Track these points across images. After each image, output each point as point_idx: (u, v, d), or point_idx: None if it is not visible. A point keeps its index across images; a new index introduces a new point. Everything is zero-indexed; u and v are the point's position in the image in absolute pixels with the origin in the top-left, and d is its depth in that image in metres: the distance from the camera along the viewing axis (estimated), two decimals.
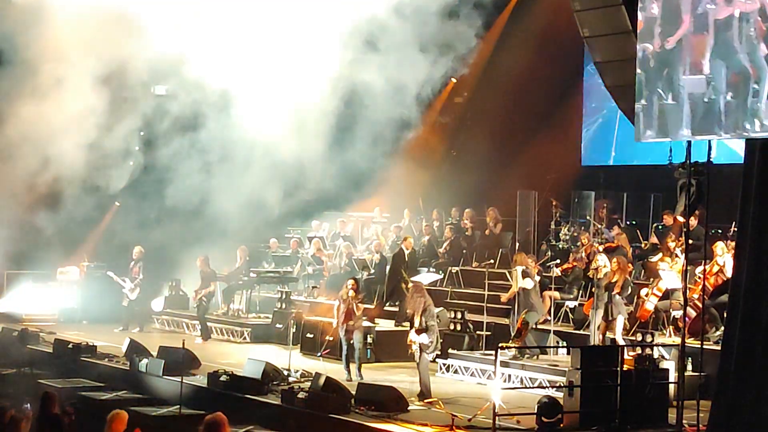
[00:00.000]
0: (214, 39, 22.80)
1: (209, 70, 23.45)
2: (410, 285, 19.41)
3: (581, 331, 19.08)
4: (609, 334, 17.63)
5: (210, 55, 23.08)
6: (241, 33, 22.63)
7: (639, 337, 17.59)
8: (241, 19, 22.59)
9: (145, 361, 18.61)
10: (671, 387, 15.05)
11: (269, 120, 23.97)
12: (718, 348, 14.93)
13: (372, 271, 23.36)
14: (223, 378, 16.90)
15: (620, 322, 17.76)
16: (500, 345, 17.49)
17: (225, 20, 22.68)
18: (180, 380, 16.41)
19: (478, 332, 20.18)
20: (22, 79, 23.37)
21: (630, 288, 18.34)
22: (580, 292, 20.54)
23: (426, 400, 16.29)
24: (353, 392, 15.85)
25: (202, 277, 23.76)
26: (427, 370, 16.74)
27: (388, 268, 22.90)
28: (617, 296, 17.73)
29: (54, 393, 12.38)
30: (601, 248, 21.24)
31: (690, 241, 16.07)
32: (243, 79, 23.26)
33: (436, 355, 17.23)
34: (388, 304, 21.95)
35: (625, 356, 14.93)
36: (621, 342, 17.21)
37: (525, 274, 18.83)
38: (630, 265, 20.30)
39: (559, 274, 19.69)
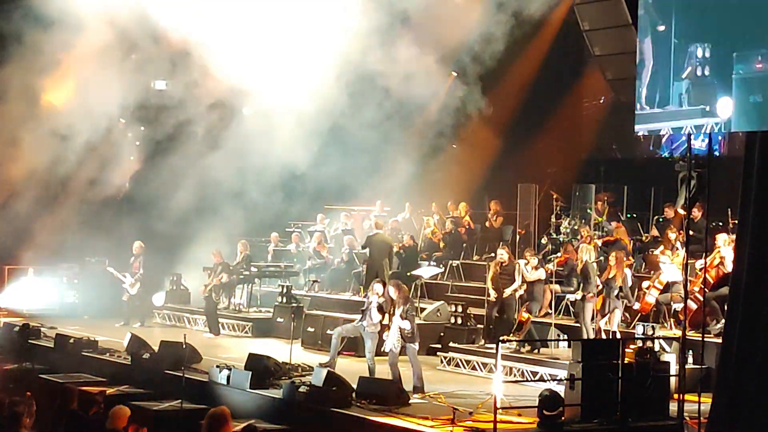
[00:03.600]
0: (220, 32, 22.82)
1: (213, 62, 23.49)
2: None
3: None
4: (607, 327, 17.67)
5: (214, 47, 23.10)
6: (246, 24, 22.63)
7: (640, 330, 17.60)
8: (248, 11, 22.59)
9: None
10: (672, 380, 15.06)
11: (272, 116, 24.04)
12: (719, 340, 14.95)
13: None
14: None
15: (617, 315, 17.78)
16: (501, 338, 17.51)
17: (232, 14, 22.67)
18: (182, 374, 16.44)
19: (479, 325, 20.19)
20: (29, 72, 23.45)
21: (630, 281, 18.38)
22: (581, 284, 20.51)
23: (422, 394, 16.31)
24: (354, 386, 15.85)
25: (213, 268, 23.69)
26: (418, 360, 16.72)
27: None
28: (615, 290, 17.74)
29: (74, 388, 12.38)
30: (600, 242, 21.25)
31: (691, 233, 16.09)
32: (246, 73, 23.28)
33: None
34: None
35: (627, 349, 14.96)
36: (617, 333, 17.27)
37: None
38: (630, 258, 20.33)
39: (553, 268, 19.70)
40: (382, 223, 23.51)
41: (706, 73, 13.73)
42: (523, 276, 18.97)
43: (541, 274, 19.05)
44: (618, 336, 17.32)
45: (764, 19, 13.08)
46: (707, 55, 13.72)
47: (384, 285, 17.38)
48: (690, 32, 14.02)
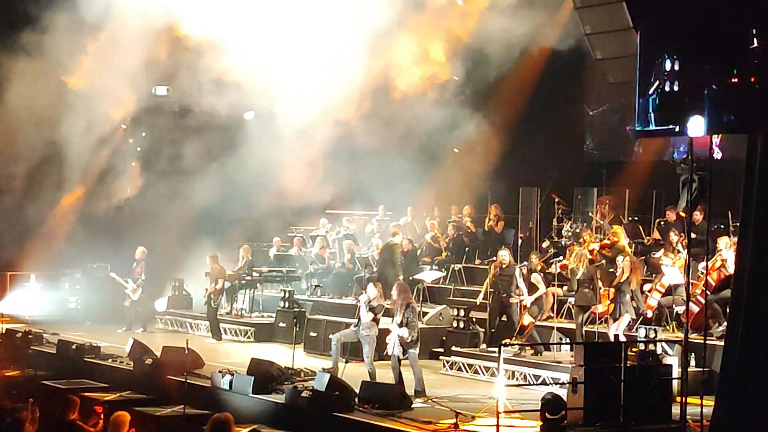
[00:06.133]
0: (227, 32, 22.86)
1: (215, 64, 23.53)
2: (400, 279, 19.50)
3: (585, 327, 19.04)
4: (615, 332, 17.63)
5: (220, 47, 23.16)
6: (249, 26, 22.66)
7: (642, 333, 17.59)
8: (252, 13, 22.62)
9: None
10: (675, 382, 15.05)
11: (275, 121, 24.07)
12: (722, 343, 14.93)
13: (375, 269, 23.35)
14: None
15: (625, 320, 17.73)
16: (504, 342, 17.50)
17: (240, 14, 22.70)
18: (185, 380, 16.43)
19: (481, 329, 20.17)
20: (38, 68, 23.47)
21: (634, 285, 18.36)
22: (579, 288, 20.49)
23: (425, 398, 16.31)
24: (357, 391, 15.85)
25: (211, 274, 23.67)
26: (419, 364, 16.71)
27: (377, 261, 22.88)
28: (627, 296, 17.70)
29: (75, 398, 12.38)
30: (597, 246, 21.21)
31: (693, 236, 16.06)
32: (251, 77, 23.31)
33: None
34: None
35: (629, 352, 14.96)
36: (622, 338, 17.25)
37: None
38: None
39: (559, 271, 19.68)
40: (397, 230, 23.48)
41: (676, 88, 12.59)
42: (531, 280, 19.03)
43: (541, 287, 19.09)
44: (621, 339, 17.29)
45: (740, 27, 12.09)
46: (676, 68, 12.58)
47: (376, 286, 17.39)
48: (658, 42, 12.96)
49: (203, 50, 23.51)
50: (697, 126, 12.49)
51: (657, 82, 12.84)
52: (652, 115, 12.99)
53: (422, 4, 23.35)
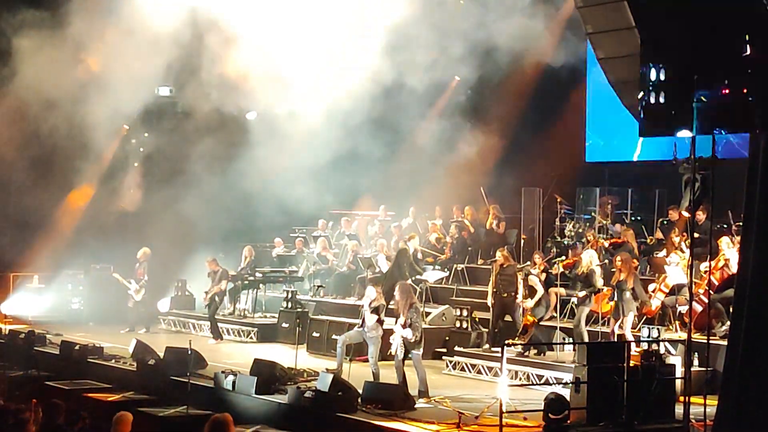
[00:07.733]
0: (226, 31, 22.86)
1: (218, 64, 23.53)
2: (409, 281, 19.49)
3: (588, 327, 19.04)
4: (620, 331, 17.59)
5: (223, 47, 23.16)
6: (253, 26, 22.67)
7: (645, 333, 17.58)
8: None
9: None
10: (678, 382, 15.05)
11: (277, 121, 24.06)
12: (725, 343, 14.93)
13: (377, 269, 23.35)
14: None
15: (630, 319, 17.70)
16: (507, 342, 17.49)
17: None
18: (188, 380, 16.45)
19: (484, 329, 20.17)
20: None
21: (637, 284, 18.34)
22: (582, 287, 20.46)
23: (428, 399, 16.30)
24: (360, 391, 15.85)
25: (212, 278, 23.65)
26: (422, 365, 16.72)
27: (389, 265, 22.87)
28: (627, 293, 17.67)
29: (61, 403, 12.38)
30: (606, 244, 21.22)
31: (696, 235, 16.04)
32: (252, 73, 23.32)
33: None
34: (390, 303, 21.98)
35: (632, 352, 14.95)
36: (630, 338, 17.22)
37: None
38: (635, 260, 20.29)
39: (562, 270, 19.67)
40: (413, 235, 23.48)
41: (661, 100, 11.96)
42: (528, 282, 19.00)
43: (539, 290, 19.07)
44: (631, 340, 17.23)
45: (733, 34, 11.27)
46: (662, 77, 11.93)
47: (375, 287, 17.39)
48: (642, 49, 12.35)
49: (207, 50, 23.49)
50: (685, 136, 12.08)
51: (642, 93, 12.18)
52: (638, 126, 12.47)
53: (425, 5, 23.32)
